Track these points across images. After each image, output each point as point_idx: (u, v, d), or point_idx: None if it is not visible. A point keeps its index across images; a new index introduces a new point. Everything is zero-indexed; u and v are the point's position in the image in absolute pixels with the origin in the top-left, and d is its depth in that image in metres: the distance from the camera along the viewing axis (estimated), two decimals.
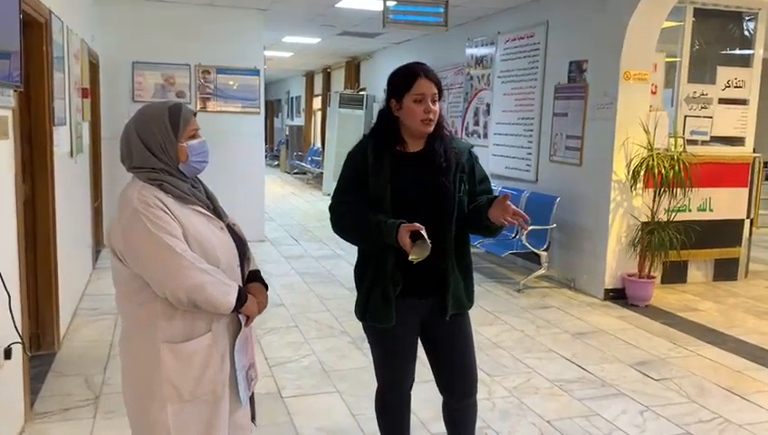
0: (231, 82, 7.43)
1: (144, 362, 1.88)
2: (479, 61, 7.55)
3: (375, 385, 2.47)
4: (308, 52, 11.99)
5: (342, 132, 11.73)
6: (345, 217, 2.27)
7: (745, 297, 5.72)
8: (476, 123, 7.64)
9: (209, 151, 2.01)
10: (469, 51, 7.75)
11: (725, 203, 6.08)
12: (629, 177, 5.33)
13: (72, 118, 4.77)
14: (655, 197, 5.32)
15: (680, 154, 5.26)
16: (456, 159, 2.28)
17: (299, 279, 6.00)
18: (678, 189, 5.28)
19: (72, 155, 4.78)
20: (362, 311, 2.31)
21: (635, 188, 5.36)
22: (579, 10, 5.87)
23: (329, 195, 12.14)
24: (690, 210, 5.72)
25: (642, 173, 5.26)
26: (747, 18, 6.21)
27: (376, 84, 11.69)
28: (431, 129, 2.25)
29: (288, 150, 18.13)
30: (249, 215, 7.59)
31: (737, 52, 6.25)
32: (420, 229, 2.10)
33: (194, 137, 1.96)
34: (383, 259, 2.23)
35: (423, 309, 2.32)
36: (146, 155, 1.89)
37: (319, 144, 15.54)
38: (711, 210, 6.03)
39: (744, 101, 6.25)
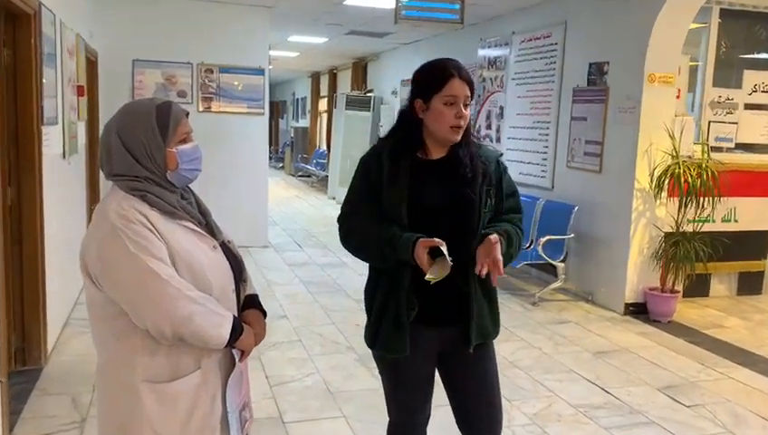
0: (235, 82, 7.18)
1: (121, 404, 1.61)
2: (492, 62, 7.27)
3: (384, 409, 2.19)
4: (314, 52, 11.74)
5: (349, 135, 11.47)
6: (354, 231, 2.01)
7: None
8: (489, 127, 7.36)
9: (202, 157, 1.74)
10: (482, 52, 7.47)
11: (751, 213, 5.78)
12: (654, 185, 5.03)
13: (65, 117, 4.51)
14: (680, 206, 5.03)
15: (708, 162, 4.97)
16: (482, 169, 2.01)
17: (303, 289, 5.73)
18: (705, 199, 4.99)
19: (64, 156, 4.53)
20: (372, 338, 2.04)
21: (659, 198, 5.07)
22: (599, 10, 5.59)
23: (334, 198, 12.06)
24: (714, 221, 5.42)
25: (667, 181, 4.97)
26: None
27: (383, 86, 11.43)
28: (459, 137, 1.98)
29: (293, 153, 17.87)
30: (252, 220, 7.34)
31: (765, 55, 5.96)
32: (440, 245, 1.83)
33: (185, 141, 1.70)
34: (397, 279, 1.96)
35: (442, 339, 2.05)
36: (128, 161, 1.63)
37: (324, 146, 15.27)
38: (736, 221, 5.74)
39: None
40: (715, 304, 5.61)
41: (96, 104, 6.39)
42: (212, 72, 7.04)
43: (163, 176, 1.66)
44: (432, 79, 1.97)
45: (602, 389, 3.72)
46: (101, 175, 6.88)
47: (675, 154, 4.97)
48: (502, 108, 7.11)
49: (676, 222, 5.06)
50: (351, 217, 2.02)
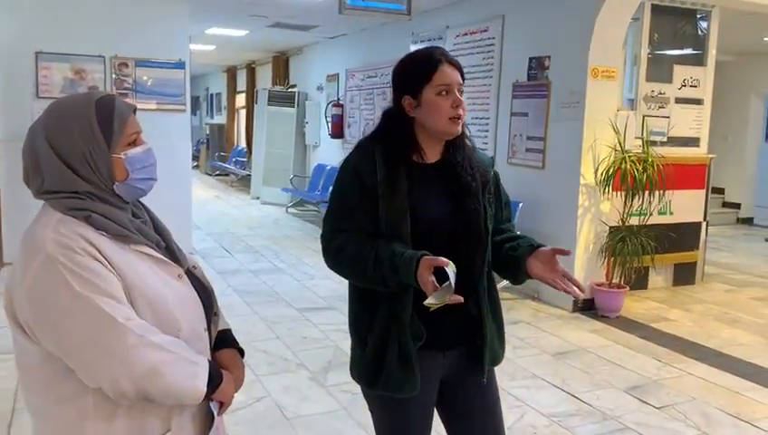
0: (152, 76, 6.60)
1: None
2: None
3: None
4: (232, 45, 11.17)
5: (272, 131, 11.00)
6: (345, 251, 1.70)
7: (710, 303, 5.54)
8: None
9: (156, 163, 1.40)
10: (414, 47, 7.27)
11: (685, 206, 5.89)
12: (600, 180, 5.00)
13: None
14: (626, 201, 5.02)
15: (653, 156, 4.98)
16: (482, 176, 1.77)
17: (238, 299, 5.32)
18: (647, 193, 5.00)
19: None
20: (372, 376, 1.73)
21: (605, 193, 5.04)
22: (538, 3, 5.51)
23: (258, 198, 11.55)
24: (651, 214, 5.47)
25: (613, 176, 4.94)
26: (700, 16, 6.07)
27: (308, 81, 11.03)
28: (459, 128, 1.73)
29: (209, 151, 17.08)
30: (175, 225, 6.68)
31: (692, 51, 6.09)
32: (446, 265, 1.56)
33: (135, 143, 1.35)
34: (398, 303, 1.68)
35: (447, 364, 1.79)
36: (63, 173, 1.27)
37: (244, 144, 14.67)
38: (671, 213, 5.82)
39: (698, 101, 6.10)
40: (654, 296, 5.68)
41: None
42: (127, 65, 6.43)
43: (109, 189, 1.31)
44: (418, 70, 1.71)
45: (571, 394, 3.59)
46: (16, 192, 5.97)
47: (620, 149, 4.95)
48: None
49: (623, 217, 5.05)
50: (339, 235, 1.71)
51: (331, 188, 1.79)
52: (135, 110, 1.38)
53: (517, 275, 1.77)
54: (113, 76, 6.39)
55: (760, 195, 10.04)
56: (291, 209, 10.40)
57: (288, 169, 10.85)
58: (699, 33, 6.09)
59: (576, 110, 5.09)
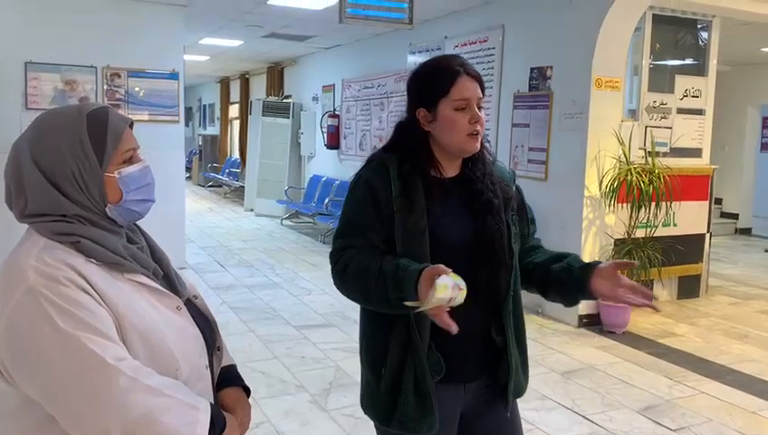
0: (145, 87, 6.46)
1: None
2: None
3: None
4: (227, 56, 11.05)
5: (267, 143, 10.87)
6: (350, 267, 1.54)
7: (716, 317, 5.43)
8: None
9: (155, 182, 1.27)
10: (412, 57, 7.16)
11: (688, 217, 5.80)
12: (605, 192, 4.89)
13: None
14: (631, 213, 4.91)
15: (659, 167, 4.88)
16: (503, 193, 1.64)
17: (234, 317, 5.16)
18: (653, 204, 4.90)
19: None
20: (385, 412, 1.59)
21: (611, 205, 4.92)
22: (539, 14, 5.42)
23: (252, 210, 11.39)
24: (655, 226, 5.37)
25: (618, 188, 4.83)
26: (700, 26, 6.00)
27: (302, 92, 10.92)
28: (478, 145, 1.60)
29: (201, 162, 16.91)
30: (167, 238, 6.55)
31: (693, 61, 6.02)
32: (446, 272, 1.37)
33: (130, 161, 1.22)
34: (414, 331, 1.54)
35: (467, 397, 1.65)
36: (50, 194, 1.14)
37: (237, 155, 14.52)
38: (675, 225, 5.72)
39: (700, 111, 6.03)
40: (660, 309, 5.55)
41: None
42: (119, 76, 6.29)
43: (101, 211, 1.18)
44: (435, 82, 1.59)
45: (582, 416, 3.46)
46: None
47: (626, 160, 4.85)
48: None
49: (628, 229, 4.94)
50: (347, 252, 1.57)
51: (342, 206, 1.66)
52: (132, 124, 1.25)
53: (577, 297, 1.64)
54: (105, 87, 6.25)
55: (757, 205, 9.98)
56: (285, 221, 10.26)
57: (283, 181, 10.71)
58: (700, 43, 6.02)
59: (579, 120, 4.99)
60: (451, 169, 1.64)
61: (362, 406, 1.69)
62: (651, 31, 5.65)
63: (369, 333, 1.66)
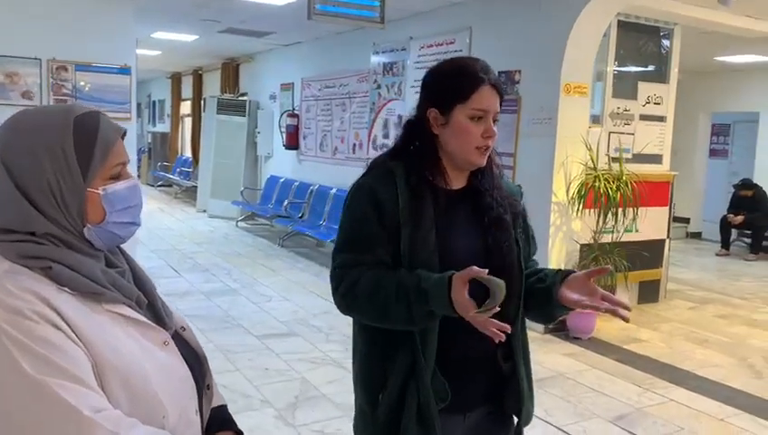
0: (94, 82, 6.12)
1: None
2: (388, 68, 6.86)
3: None
4: (179, 51, 10.68)
5: (221, 141, 10.55)
6: (360, 283, 1.41)
7: (676, 322, 5.50)
8: (386, 136, 6.94)
9: (143, 203, 1.10)
10: (375, 58, 7.04)
11: (649, 223, 5.85)
12: (573, 198, 4.87)
13: None
14: (598, 219, 4.91)
15: (626, 174, 4.90)
16: (512, 208, 1.53)
17: (191, 326, 4.89)
18: (620, 210, 4.91)
19: None
20: None
21: (578, 211, 4.91)
22: (508, 17, 5.37)
23: (205, 211, 11.03)
24: (621, 232, 5.39)
25: (585, 194, 4.83)
26: (663, 34, 6.08)
27: (259, 90, 10.64)
28: (485, 160, 1.48)
29: (150, 160, 16.37)
30: None
31: (655, 68, 6.09)
32: (480, 274, 1.31)
33: (118, 177, 1.05)
34: (419, 354, 1.41)
35: (469, 425, 1.53)
36: (20, 208, 0.98)
37: (189, 153, 14.09)
38: (637, 231, 5.76)
39: (662, 118, 6.11)
40: None
41: None
42: (66, 69, 5.93)
43: (78, 232, 1.01)
44: (455, 85, 1.46)
45: (556, 427, 3.40)
46: None
47: (593, 166, 4.84)
48: (400, 116, 6.72)
49: (595, 236, 4.94)
50: (354, 269, 1.43)
51: (340, 217, 1.51)
52: (124, 134, 1.08)
53: (548, 309, 1.53)
54: (50, 81, 5.88)
55: (707, 210, 10.27)
56: (241, 223, 9.98)
57: (238, 181, 10.41)
58: (662, 50, 6.10)
59: (548, 126, 4.96)
60: (458, 180, 1.52)
61: (356, 431, 1.55)
62: (616, 37, 5.69)
63: (366, 355, 1.52)
